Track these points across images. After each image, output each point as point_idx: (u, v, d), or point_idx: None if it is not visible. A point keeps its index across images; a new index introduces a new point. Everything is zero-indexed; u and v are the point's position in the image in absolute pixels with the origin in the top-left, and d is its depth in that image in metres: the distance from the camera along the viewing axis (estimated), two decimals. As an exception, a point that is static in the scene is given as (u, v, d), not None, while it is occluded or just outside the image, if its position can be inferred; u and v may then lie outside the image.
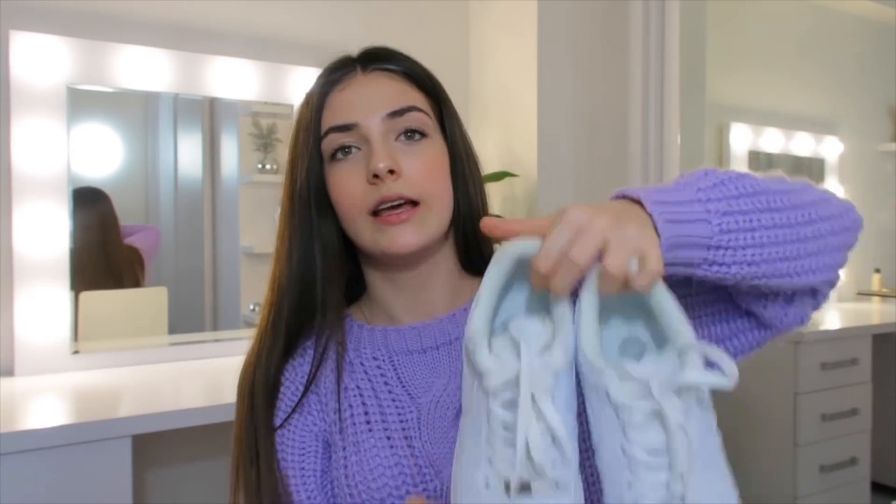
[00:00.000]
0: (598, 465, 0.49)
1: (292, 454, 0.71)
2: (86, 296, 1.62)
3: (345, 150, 0.70)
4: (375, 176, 0.67)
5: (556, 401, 0.47)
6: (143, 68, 1.66)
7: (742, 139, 2.94)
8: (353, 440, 0.69)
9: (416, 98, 0.72)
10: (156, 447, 1.63)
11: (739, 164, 2.94)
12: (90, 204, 1.64)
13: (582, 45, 2.01)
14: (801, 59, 3.14)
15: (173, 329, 1.74)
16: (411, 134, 0.70)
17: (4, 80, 1.54)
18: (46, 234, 1.55)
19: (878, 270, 3.29)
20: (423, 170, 0.69)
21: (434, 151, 0.71)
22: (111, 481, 1.17)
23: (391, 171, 0.67)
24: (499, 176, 1.94)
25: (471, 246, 0.77)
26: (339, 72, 0.73)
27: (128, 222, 1.71)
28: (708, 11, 2.15)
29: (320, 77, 0.74)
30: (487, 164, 2.10)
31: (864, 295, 3.29)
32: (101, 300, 1.66)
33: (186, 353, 1.72)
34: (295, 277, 0.72)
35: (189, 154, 1.78)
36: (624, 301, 0.53)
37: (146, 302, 1.73)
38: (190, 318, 1.78)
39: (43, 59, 1.55)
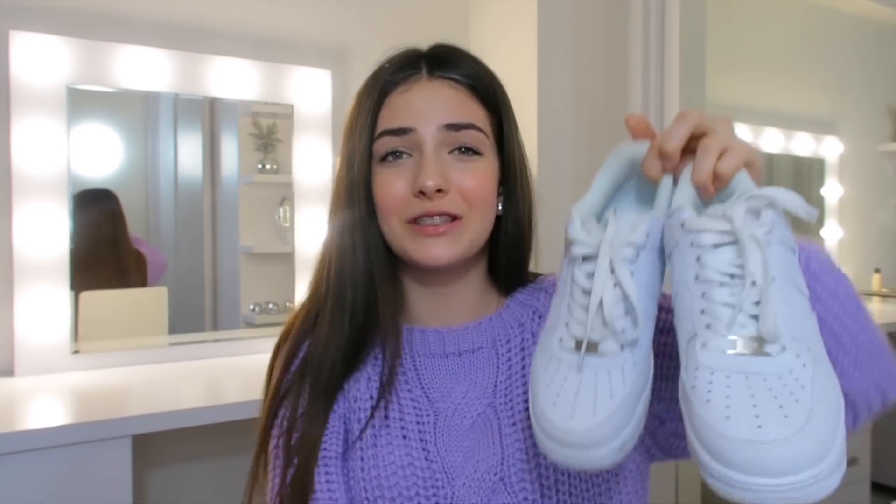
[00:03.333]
0: (674, 319, 0.49)
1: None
2: (86, 296, 1.62)
3: (396, 154, 0.69)
4: (421, 192, 0.66)
5: (635, 276, 0.50)
6: (143, 68, 1.66)
7: (742, 139, 2.93)
8: (370, 433, 0.69)
9: (476, 113, 0.71)
10: (156, 447, 1.63)
11: (739, 164, 2.93)
12: (101, 203, 1.65)
13: (582, 45, 2.00)
14: (801, 59, 3.14)
15: (173, 329, 1.74)
16: (466, 150, 0.69)
17: (4, 80, 1.54)
18: (46, 234, 1.55)
19: (878, 270, 3.29)
20: (471, 188, 0.68)
21: (485, 170, 0.70)
22: (111, 481, 1.17)
23: (439, 190, 0.66)
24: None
25: (511, 265, 0.76)
26: (403, 72, 0.71)
27: (128, 222, 1.71)
28: (708, 11, 2.15)
29: (383, 71, 0.71)
30: (487, 164, 2.10)
31: (864, 295, 3.29)
32: (102, 300, 1.66)
33: (186, 353, 1.72)
34: (361, 270, 0.71)
35: (189, 154, 1.78)
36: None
37: (146, 302, 1.73)
38: (190, 318, 1.78)
39: (43, 59, 1.55)
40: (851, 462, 2.38)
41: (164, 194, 1.76)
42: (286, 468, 0.69)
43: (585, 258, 0.52)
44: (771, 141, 3.03)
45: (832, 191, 3.23)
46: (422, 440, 0.68)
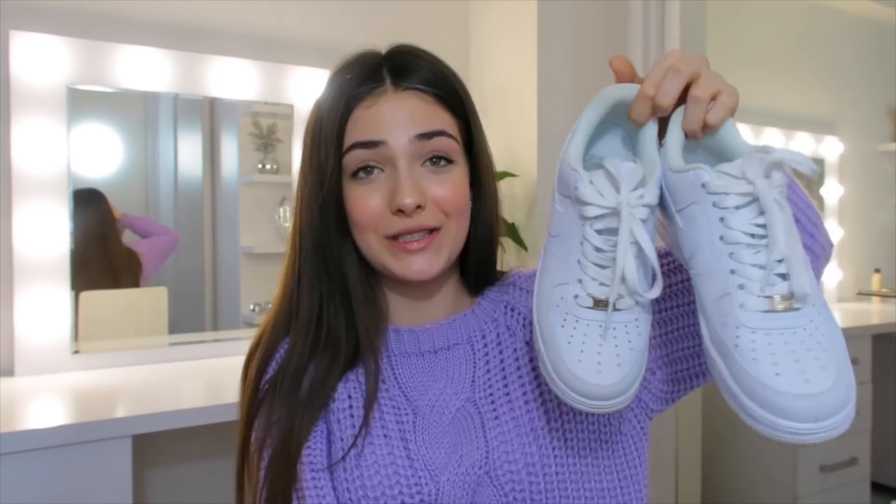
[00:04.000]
0: (694, 273, 0.53)
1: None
2: (86, 296, 1.62)
3: (367, 169, 0.68)
4: (400, 210, 0.66)
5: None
6: (143, 68, 1.66)
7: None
8: (350, 433, 0.69)
9: (445, 121, 0.70)
10: (156, 447, 1.63)
11: (739, 164, 2.93)
12: (89, 204, 1.64)
13: (582, 45, 2.00)
14: (800, 60, 3.14)
15: (173, 329, 1.74)
16: (437, 160, 0.69)
17: (4, 80, 1.54)
18: (46, 234, 1.55)
19: (877, 270, 3.29)
20: (448, 198, 0.68)
21: (459, 178, 0.70)
22: (111, 481, 1.17)
23: (418, 206, 0.66)
24: (499, 176, 1.92)
25: (481, 267, 0.77)
26: (367, 85, 0.69)
27: (122, 215, 1.71)
28: (708, 11, 2.15)
29: (346, 84, 0.69)
30: (487, 164, 2.10)
31: (864, 295, 3.29)
32: (102, 300, 1.66)
33: (186, 353, 1.72)
34: (338, 290, 0.71)
35: (189, 154, 1.78)
36: (695, 152, 0.59)
37: (146, 302, 1.73)
38: (190, 318, 1.78)
39: (43, 59, 1.55)
40: (851, 462, 2.39)
41: (164, 194, 1.76)
42: (269, 482, 0.69)
43: (598, 217, 0.54)
44: (771, 141, 3.03)
45: (832, 191, 3.23)
46: (403, 439, 0.68)
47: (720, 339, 0.50)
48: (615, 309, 0.53)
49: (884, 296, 3.24)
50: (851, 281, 3.29)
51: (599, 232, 0.54)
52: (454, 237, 0.70)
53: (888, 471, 2.92)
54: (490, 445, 0.67)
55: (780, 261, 0.49)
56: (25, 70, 1.53)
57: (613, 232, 0.53)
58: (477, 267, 0.76)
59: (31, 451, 1.11)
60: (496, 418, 0.69)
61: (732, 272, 0.50)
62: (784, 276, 0.49)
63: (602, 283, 0.53)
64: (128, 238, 1.71)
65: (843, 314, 2.77)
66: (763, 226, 0.50)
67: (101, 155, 1.67)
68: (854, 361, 2.37)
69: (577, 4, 1.99)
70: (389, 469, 0.67)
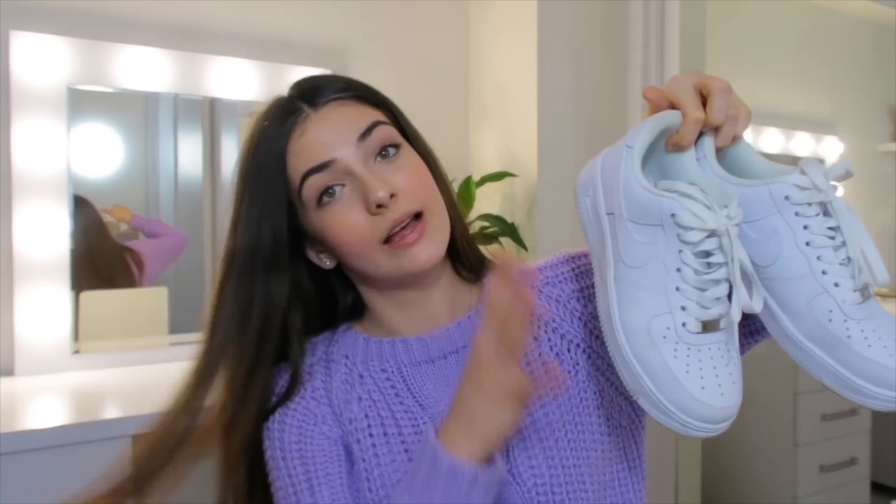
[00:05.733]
0: (772, 278, 0.57)
1: (314, 462, 0.70)
2: (86, 296, 1.62)
3: (329, 191, 0.68)
4: (379, 206, 0.66)
5: None
6: (143, 68, 1.66)
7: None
8: (372, 453, 0.69)
9: (374, 114, 0.71)
10: (156, 447, 1.62)
11: (739, 164, 2.93)
12: (78, 212, 1.62)
13: (582, 45, 2.00)
14: (801, 60, 3.14)
15: (173, 329, 1.74)
16: (386, 151, 0.69)
17: (4, 80, 1.54)
18: (46, 234, 1.55)
19: (878, 270, 3.29)
20: (414, 179, 0.69)
21: (413, 158, 0.71)
22: (111, 481, 1.17)
23: (392, 195, 0.66)
24: (499, 176, 1.94)
25: (461, 249, 0.77)
26: (288, 120, 0.69)
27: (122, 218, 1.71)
28: (708, 11, 2.15)
29: (267, 129, 0.70)
30: (487, 164, 2.10)
31: (864, 295, 3.29)
32: (102, 300, 1.66)
33: (186, 353, 1.71)
34: (254, 339, 0.72)
35: (189, 154, 1.78)
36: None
37: (146, 302, 1.73)
38: (190, 318, 1.78)
39: (43, 59, 1.55)
40: (851, 462, 2.39)
41: (164, 194, 1.76)
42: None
43: (700, 241, 0.56)
44: (771, 141, 3.03)
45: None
46: None
47: (825, 333, 0.55)
48: (719, 328, 0.55)
49: (884, 296, 3.24)
50: (851, 281, 3.29)
51: (697, 255, 0.55)
52: (440, 217, 0.71)
53: (888, 471, 2.92)
54: (509, 444, 0.67)
55: (848, 258, 0.56)
56: (25, 70, 1.53)
57: (707, 255, 0.55)
58: (463, 248, 0.77)
59: (31, 451, 1.11)
60: None
61: (824, 273, 0.55)
62: (861, 270, 0.56)
63: (703, 307, 0.55)
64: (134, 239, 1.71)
65: (843, 314, 2.77)
66: (835, 228, 0.56)
67: (101, 155, 1.67)
68: (854, 361, 2.39)
69: (577, 4, 1.99)
70: None
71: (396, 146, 0.70)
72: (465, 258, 0.77)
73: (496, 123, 2.09)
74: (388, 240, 0.67)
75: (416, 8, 2.09)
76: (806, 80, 3.16)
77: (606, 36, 2.05)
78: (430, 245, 0.68)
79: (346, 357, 0.75)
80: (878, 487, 2.81)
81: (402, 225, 0.67)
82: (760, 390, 2.36)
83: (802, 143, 3.13)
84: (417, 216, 0.68)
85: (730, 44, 2.78)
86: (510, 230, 1.90)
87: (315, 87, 0.71)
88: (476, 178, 1.96)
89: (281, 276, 0.72)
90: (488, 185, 1.97)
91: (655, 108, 0.60)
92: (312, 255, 0.75)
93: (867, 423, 2.45)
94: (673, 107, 0.59)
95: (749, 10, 2.92)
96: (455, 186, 1.94)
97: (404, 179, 0.68)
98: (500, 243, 1.94)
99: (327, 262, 0.74)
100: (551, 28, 1.96)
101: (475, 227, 1.93)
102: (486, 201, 2.05)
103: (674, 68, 1.95)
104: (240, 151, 0.73)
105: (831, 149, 3.24)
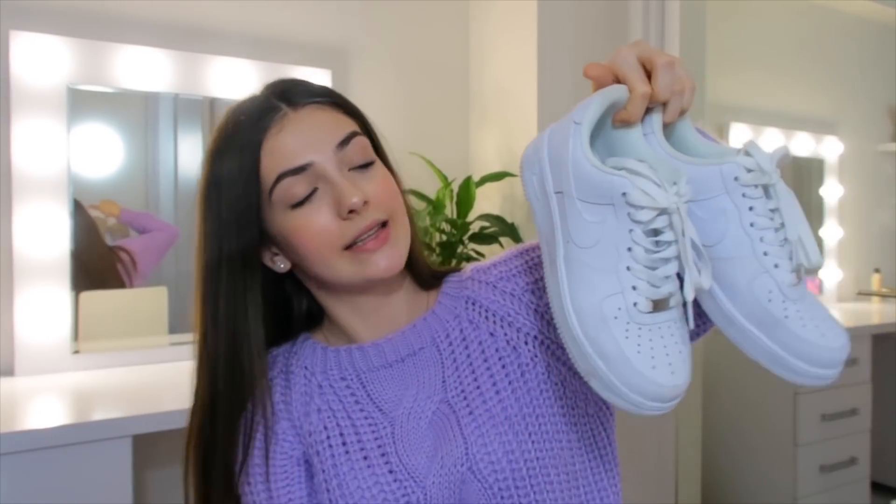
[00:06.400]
0: (717, 258, 0.57)
1: (277, 485, 0.71)
2: (86, 296, 1.62)
3: (307, 198, 0.68)
4: (351, 211, 0.66)
5: None
6: (143, 68, 1.66)
7: (742, 139, 2.94)
8: (331, 463, 0.70)
9: (350, 123, 0.72)
10: (156, 447, 1.62)
11: (739, 164, 2.93)
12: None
13: (582, 45, 2.00)
14: (801, 59, 3.14)
15: (173, 329, 1.74)
16: (363, 165, 0.70)
17: (4, 80, 1.54)
18: (46, 234, 1.55)
19: (877, 270, 3.29)
20: (384, 190, 0.70)
21: (383, 170, 0.72)
22: (111, 481, 1.17)
23: (365, 203, 0.67)
24: (499, 176, 1.94)
25: (419, 260, 0.77)
26: (266, 117, 0.68)
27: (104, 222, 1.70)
28: (708, 11, 2.15)
29: (242, 123, 0.69)
30: (487, 165, 2.10)
31: (864, 295, 3.29)
32: (102, 300, 1.66)
33: (186, 353, 1.70)
34: (226, 344, 0.73)
35: (189, 154, 1.78)
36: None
37: (146, 302, 1.73)
38: (190, 318, 1.78)
39: (43, 59, 1.55)
40: (851, 462, 2.39)
41: (164, 194, 1.76)
42: None
43: (651, 219, 0.55)
44: (771, 141, 3.03)
45: (832, 191, 3.23)
46: (383, 454, 0.69)
47: (764, 313, 0.56)
48: (668, 307, 0.56)
49: (884, 296, 3.24)
50: (851, 281, 3.29)
51: (647, 234, 0.55)
52: (403, 229, 0.71)
53: (888, 471, 2.92)
54: (468, 441, 0.68)
55: (785, 240, 0.56)
56: (25, 70, 1.53)
57: (656, 233, 0.55)
58: (417, 261, 0.77)
59: (31, 451, 1.11)
60: (470, 413, 0.69)
61: (766, 254, 0.56)
62: (796, 252, 0.56)
63: (654, 286, 0.55)
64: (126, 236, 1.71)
65: (843, 314, 2.77)
66: (775, 210, 0.56)
67: (102, 155, 1.67)
68: (854, 361, 2.39)
69: (577, 4, 1.99)
70: (374, 490, 0.67)
71: (370, 162, 0.71)
72: (420, 268, 0.78)
73: (496, 123, 2.09)
74: (350, 246, 0.68)
75: (416, 8, 2.09)
76: (806, 80, 3.16)
77: (606, 36, 2.05)
78: (392, 254, 0.69)
79: (306, 368, 0.76)
80: (878, 487, 2.81)
81: (368, 234, 0.68)
82: (760, 390, 2.36)
83: (802, 143, 3.13)
84: (383, 224, 0.69)
85: (730, 44, 2.78)
86: (510, 230, 1.90)
87: (291, 89, 0.71)
88: (476, 178, 1.96)
89: (255, 278, 0.72)
90: (488, 185, 1.97)
91: (600, 85, 0.59)
92: (267, 258, 0.73)
93: (867, 423, 2.46)
94: (618, 81, 0.58)
95: (749, 10, 2.92)
96: (455, 186, 1.94)
97: (376, 189, 0.69)
98: (500, 243, 1.94)
99: (281, 266, 0.73)
100: (551, 28, 1.96)
101: (475, 227, 1.94)
102: (486, 201, 2.05)
103: (674, 68, 1.95)
104: (208, 144, 0.72)
105: (831, 149, 3.24)
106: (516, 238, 1.91)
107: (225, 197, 0.70)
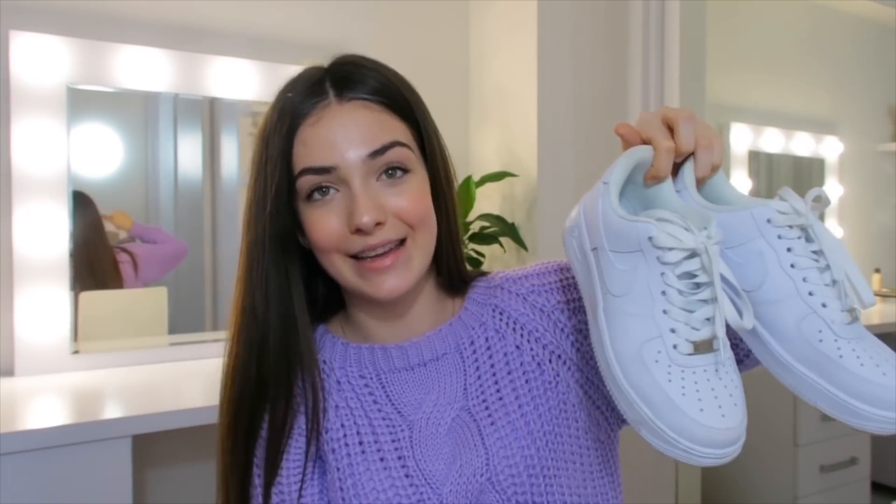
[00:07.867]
0: (760, 301, 0.57)
1: (288, 481, 0.70)
2: (86, 296, 1.62)
3: (322, 189, 0.66)
4: (358, 230, 0.64)
5: None
6: (143, 68, 1.66)
7: (742, 139, 2.94)
8: (346, 462, 0.69)
9: (396, 129, 0.68)
10: (156, 447, 1.63)
11: (739, 164, 2.93)
12: (77, 208, 1.61)
13: (582, 46, 2.00)
14: (801, 59, 3.14)
15: (173, 329, 1.74)
16: (393, 171, 0.66)
17: (4, 80, 1.54)
18: (46, 234, 1.55)
19: (877, 270, 3.29)
20: (409, 207, 0.66)
21: (418, 185, 0.68)
22: (111, 481, 1.17)
23: (378, 224, 0.64)
24: (499, 176, 1.94)
25: (453, 268, 0.75)
26: (310, 100, 0.67)
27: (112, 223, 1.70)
28: (708, 11, 2.15)
29: (288, 102, 0.68)
30: (487, 165, 2.10)
31: (864, 295, 3.28)
32: (101, 300, 1.66)
33: (186, 353, 1.72)
34: (277, 318, 0.70)
35: (189, 154, 1.78)
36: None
37: (146, 302, 1.73)
38: (190, 318, 1.78)
39: (43, 59, 1.55)
40: (851, 462, 2.39)
41: (164, 194, 1.76)
42: None
43: (679, 261, 0.55)
44: (771, 141, 3.03)
45: (832, 191, 3.23)
46: (399, 457, 0.68)
47: (817, 355, 0.55)
48: (712, 349, 0.55)
49: (884, 296, 3.24)
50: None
51: (680, 277, 0.55)
52: (422, 248, 0.68)
53: (888, 471, 2.92)
54: (490, 451, 0.67)
55: (834, 281, 0.56)
56: (25, 70, 1.53)
57: (691, 276, 0.55)
58: (449, 271, 0.75)
59: (31, 451, 1.11)
60: (492, 424, 0.68)
61: (811, 294, 0.55)
62: (846, 293, 0.56)
63: (693, 328, 0.54)
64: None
65: (843, 314, 2.76)
66: (818, 252, 0.57)
67: (101, 155, 1.67)
68: (854, 361, 2.39)
69: (577, 4, 1.99)
70: (390, 492, 0.66)
71: (406, 171, 0.67)
72: (448, 272, 0.75)
73: (496, 123, 2.09)
74: (357, 256, 0.66)
75: (416, 8, 2.09)
76: (806, 80, 3.16)
77: (606, 36, 2.05)
78: (398, 279, 0.66)
79: (325, 363, 0.74)
80: (878, 487, 2.81)
81: (377, 252, 0.66)
82: (760, 390, 2.35)
83: (802, 143, 3.13)
84: (402, 241, 0.67)
85: (730, 44, 2.78)
86: (510, 230, 1.90)
87: (348, 78, 0.68)
88: (476, 178, 1.96)
89: (294, 258, 0.71)
90: (488, 185, 1.97)
91: (628, 144, 0.60)
92: (302, 240, 0.72)
93: (867, 423, 2.45)
94: (645, 143, 0.59)
95: (749, 10, 2.92)
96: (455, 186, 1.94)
97: (399, 205, 0.66)
98: (500, 243, 1.94)
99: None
100: (551, 28, 1.96)
101: (475, 227, 1.94)
102: (486, 201, 2.05)
103: (674, 68, 1.95)
104: (263, 116, 0.71)
105: (831, 148, 3.24)
106: (516, 238, 1.91)
107: (262, 168, 0.68)
